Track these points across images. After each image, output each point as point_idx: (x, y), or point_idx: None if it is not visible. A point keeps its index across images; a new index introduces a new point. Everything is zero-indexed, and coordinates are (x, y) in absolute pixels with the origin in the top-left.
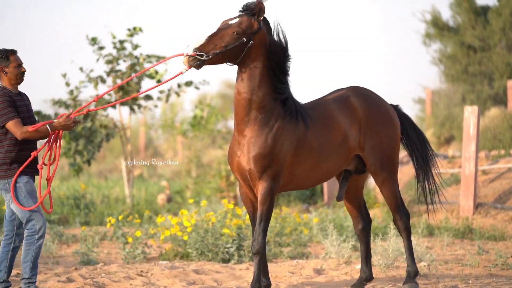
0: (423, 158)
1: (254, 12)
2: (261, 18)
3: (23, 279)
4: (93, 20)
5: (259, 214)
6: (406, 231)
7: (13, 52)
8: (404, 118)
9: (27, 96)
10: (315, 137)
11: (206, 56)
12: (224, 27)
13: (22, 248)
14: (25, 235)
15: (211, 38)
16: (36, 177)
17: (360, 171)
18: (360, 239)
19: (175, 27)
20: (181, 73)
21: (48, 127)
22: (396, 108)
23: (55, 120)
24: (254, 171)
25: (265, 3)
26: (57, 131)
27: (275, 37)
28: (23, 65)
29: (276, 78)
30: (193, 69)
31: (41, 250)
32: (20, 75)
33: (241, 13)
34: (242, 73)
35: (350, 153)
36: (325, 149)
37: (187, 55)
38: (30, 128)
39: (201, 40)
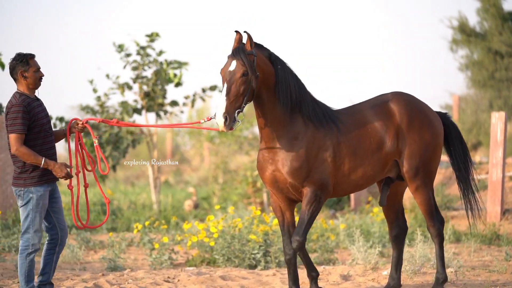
0: (465, 169)
1: (244, 47)
2: (253, 45)
3: None
4: (116, 26)
5: (302, 214)
6: (438, 238)
7: (32, 56)
8: (452, 127)
9: (42, 101)
10: (348, 142)
11: (235, 118)
12: (231, 76)
13: (18, 260)
14: (19, 247)
15: (228, 95)
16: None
17: (402, 178)
18: (393, 245)
19: (194, 30)
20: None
21: (41, 163)
22: (444, 116)
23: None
24: (294, 183)
25: (246, 30)
26: (77, 137)
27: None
28: (40, 70)
29: (289, 87)
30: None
31: (34, 264)
32: (39, 80)
33: (232, 54)
34: (258, 97)
35: (387, 158)
36: (359, 153)
37: (220, 127)
38: (26, 152)
39: (222, 103)
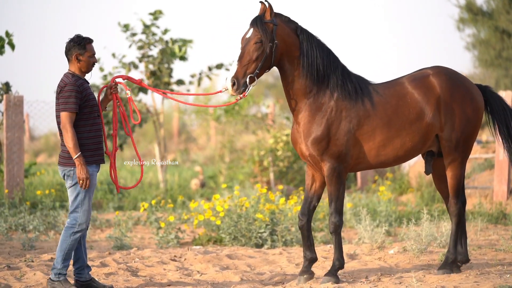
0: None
1: (264, 16)
2: (273, 15)
3: (54, 268)
4: (122, 5)
5: (328, 195)
6: (457, 217)
7: (90, 41)
8: (492, 99)
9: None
10: (383, 113)
11: (246, 83)
12: (246, 43)
13: (61, 235)
14: (66, 224)
15: (240, 60)
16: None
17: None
18: (451, 220)
19: (200, 8)
20: (237, 100)
21: (76, 155)
22: (485, 89)
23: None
24: (314, 155)
25: (267, 0)
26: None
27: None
28: (95, 56)
29: (315, 59)
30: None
31: (76, 244)
32: (91, 65)
33: (250, 23)
34: (281, 67)
35: (428, 130)
36: (395, 124)
37: (230, 91)
38: (71, 136)
39: (233, 67)
